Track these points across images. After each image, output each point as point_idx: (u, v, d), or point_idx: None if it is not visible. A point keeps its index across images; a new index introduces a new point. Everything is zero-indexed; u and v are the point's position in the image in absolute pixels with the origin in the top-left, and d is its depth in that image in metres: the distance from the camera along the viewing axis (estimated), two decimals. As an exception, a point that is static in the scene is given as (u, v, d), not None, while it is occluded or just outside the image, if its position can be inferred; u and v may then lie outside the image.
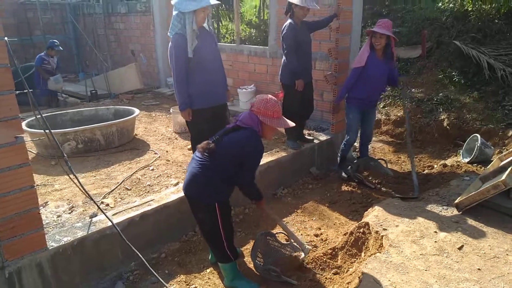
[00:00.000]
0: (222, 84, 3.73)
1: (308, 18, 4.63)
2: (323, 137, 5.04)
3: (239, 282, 2.80)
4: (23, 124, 4.45)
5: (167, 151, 4.65)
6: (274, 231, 3.39)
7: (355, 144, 5.29)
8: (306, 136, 4.91)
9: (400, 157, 5.32)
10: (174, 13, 3.37)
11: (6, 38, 2.22)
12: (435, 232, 2.98)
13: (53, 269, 2.63)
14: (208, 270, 3.05)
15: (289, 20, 4.30)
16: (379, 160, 4.81)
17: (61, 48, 7.64)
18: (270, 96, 2.63)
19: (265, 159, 4.27)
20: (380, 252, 2.78)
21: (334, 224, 3.71)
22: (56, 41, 7.66)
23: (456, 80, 6.13)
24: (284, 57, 4.40)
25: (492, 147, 4.64)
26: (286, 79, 4.44)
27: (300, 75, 4.31)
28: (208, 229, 2.70)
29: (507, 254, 2.68)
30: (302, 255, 2.98)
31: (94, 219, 2.97)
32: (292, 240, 3.10)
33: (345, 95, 4.41)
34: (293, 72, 4.30)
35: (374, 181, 4.48)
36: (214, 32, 3.74)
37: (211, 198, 2.58)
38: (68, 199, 3.41)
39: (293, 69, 4.29)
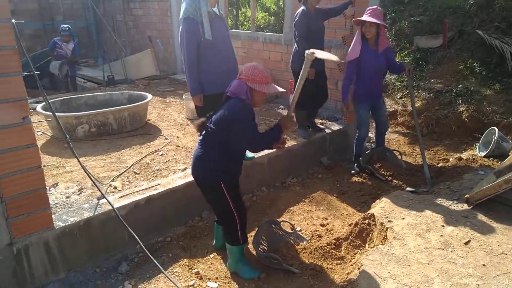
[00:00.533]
0: (233, 69, 3.71)
1: (323, 5, 4.54)
2: (335, 127, 4.97)
3: (242, 268, 2.82)
4: (39, 106, 4.56)
5: (177, 137, 4.68)
6: (279, 219, 3.40)
7: (370, 135, 5.21)
8: (317, 125, 4.86)
9: (415, 149, 5.20)
10: None
11: (13, 21, 2.25)
12: (442, 226, 2.91)
13: (59, 247, 2.70)
14: (211, 256, 3.08)
15: (302, 7, 4.22)
16: (394, 151, 4.72)
17: (68, 33, 7.55)
18: (255, 63, 2.62)
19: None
20: (383, 244, 2.74)
21: (341, 215, 3.68)
22: (64, 26, 7.66)
23: (478, 71, 5.91)
24: (295, 45, 4.33)
25: (510, 141, 4.47)
26: (296, 67, 4.38)
27: (312, 63, 4.23)
28: (220, 210, 2.77)
29: (515, 251, 2.60)
30: (304, 242, 2.97)
31: (101, 201, 3.03)
32: None
33: (348, 91, 4.23)
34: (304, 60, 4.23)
35: (385, 173, 4.40)
36: (224, 17, 3.72)
37: (215, 179, 2.61)
38: (78, 181, 3.48)
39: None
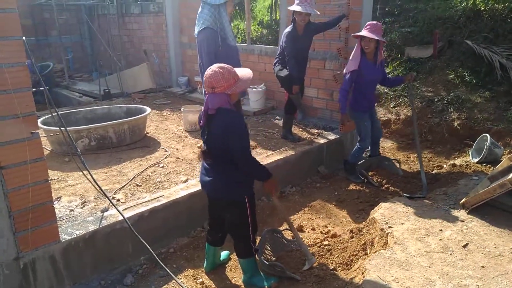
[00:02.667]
0: None
1: (318, 18, 4.69)
2: (332, 137, 5.06)
3: (258, 278, 2.80)
4: (39, 121, 4.58)
5: (177, 149, 4.73)
6: (281, 228, 3.45)
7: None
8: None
9: (409, 157, 5.31)
10: (201, 10, 3.52)
11: (24, 38, 2.32)
12: (441, 230, 2.99)
13: (65, 261, 2.72)
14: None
15: (288, 28, 4.45)
16: (392, 160, 4.82)
17: None
18: (215, 68, 2.43)
19: (274, 157, 4.32)
20: (384, 249, 2.80)
21: (341, 222, 3.74)
22: None
23: (468, 80, 6.08)
24: (276, 59, 4.64)
25: (502, 147, 4.61)
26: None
27: (296, 81, 4.54)
28: (238, 224, 2.70)
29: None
30: (306, 265, 2.98)
31: (105, 214, 3.06)
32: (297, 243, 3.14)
33: (346, 102, 4.31)
34: (290, 79, 4.50)
35: (381, 180, 4.49)
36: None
37: (240, 194, 2.61)
38: (80, 194, 3.51)
39: (291, 75, 4.48)
